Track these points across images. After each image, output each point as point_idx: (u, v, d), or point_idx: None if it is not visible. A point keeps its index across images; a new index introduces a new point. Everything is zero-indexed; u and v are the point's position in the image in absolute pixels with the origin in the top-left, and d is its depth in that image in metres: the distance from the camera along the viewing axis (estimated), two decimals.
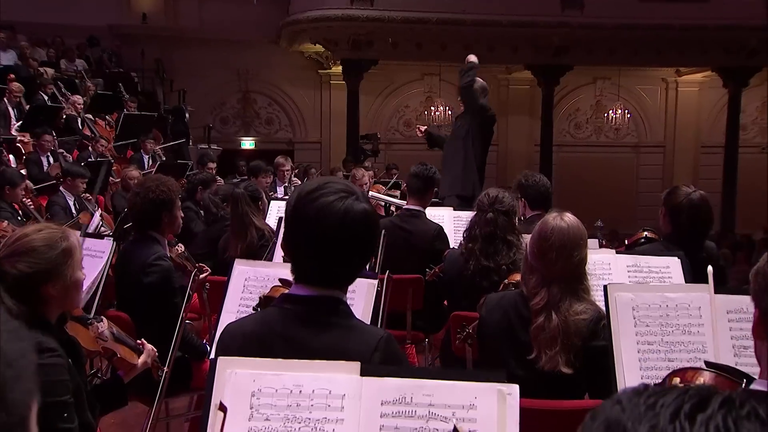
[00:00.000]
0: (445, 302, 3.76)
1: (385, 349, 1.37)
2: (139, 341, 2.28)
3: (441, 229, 3.92)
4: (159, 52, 13.79)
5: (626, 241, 3.40)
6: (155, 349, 2.29)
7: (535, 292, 2.02)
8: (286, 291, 1.52)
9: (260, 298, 1.84)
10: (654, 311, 1.75)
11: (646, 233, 3.19)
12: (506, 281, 2.58)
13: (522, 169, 16.76)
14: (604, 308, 1.85)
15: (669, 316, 1.74)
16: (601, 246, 3.79)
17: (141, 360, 2.21)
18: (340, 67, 13.95)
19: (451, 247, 3.91)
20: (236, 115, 15.37)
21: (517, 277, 2.47)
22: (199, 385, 2.88)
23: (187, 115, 12.03)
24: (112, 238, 2.84)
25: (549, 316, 1.97)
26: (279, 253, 3.44)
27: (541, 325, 1.99)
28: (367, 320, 2.14)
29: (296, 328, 1.40)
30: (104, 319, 2.18)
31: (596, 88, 16.23)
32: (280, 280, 1.87)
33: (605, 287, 1.80)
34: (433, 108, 14.41)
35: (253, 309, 1.91)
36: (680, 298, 1.75)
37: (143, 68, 13.27)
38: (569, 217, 2.06)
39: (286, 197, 6.73)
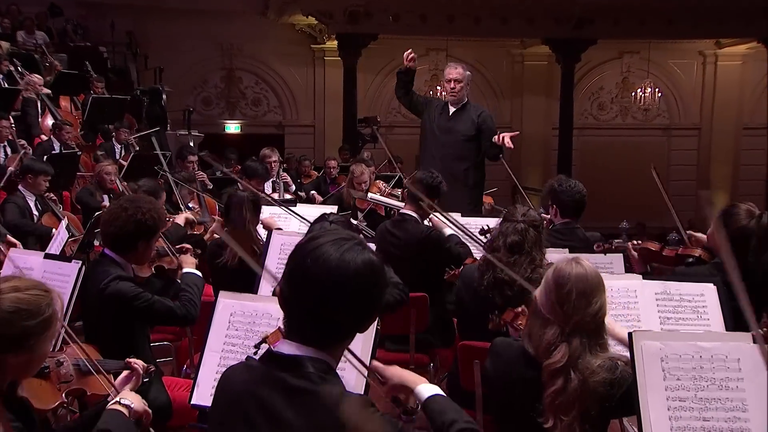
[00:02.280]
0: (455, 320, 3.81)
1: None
2: (128, 360, 2.28)
3: (432, 231, 3.97)
4: (131, 24, 13.71)
5: (678, 251, 3.39)
6: (142, 363, 2.29)
7: (553, 349, 1.99)
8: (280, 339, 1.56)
9: (263, 338, 1.85)
10: (686, 363, 1.75)
11: (699, 253, 3.18)
12: (503, 318, 2.59)
13: (538, 155, 16.81)
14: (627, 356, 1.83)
15: (703, 368, 1.73)
16: (626, 261, 3.78)
17: (130, 386, 2.20)
18: (336, 42, 13.88)
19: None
20: (219, 95, 15.33)
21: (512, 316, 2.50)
22: (180, 423, 2.90)
23: (164, 96, 11.93)
24: (79, 262, 2.81)
25: (568, 376, 1.95)
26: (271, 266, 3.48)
27: (559, 389, 1.95)
28: (367, 363, 2.14)
29: (274, 394, 1.46)
30: (66, 358, 2.16)
31: (623, 64, 16.14)
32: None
33: (630, 335, 1.80)
34: (439, 87, 14.32)
35: (255, 346, 1.94)
36: (716, 348, 1.74)
37: (113, 42, 13.19)
38: (585, 263, 2.07)
39: (275, 194, 6.75)
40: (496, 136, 5.26)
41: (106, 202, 5.96)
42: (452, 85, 5.46)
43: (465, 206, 5.13)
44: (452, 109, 5.52)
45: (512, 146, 5.18)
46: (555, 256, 3.33)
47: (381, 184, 7.01)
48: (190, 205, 5.63)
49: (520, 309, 2.50)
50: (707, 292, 2.53)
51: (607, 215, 13.81)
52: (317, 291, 1.44)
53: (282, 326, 1.57)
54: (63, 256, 3.28)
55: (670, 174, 16.62)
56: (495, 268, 3.03)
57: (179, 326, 3.12)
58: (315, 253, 1.45)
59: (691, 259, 3.27)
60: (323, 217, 2.84)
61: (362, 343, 2.19)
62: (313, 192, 8.05)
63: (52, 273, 2.86)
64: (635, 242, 3.45)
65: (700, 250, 3.23)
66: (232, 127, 15.44)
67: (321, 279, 1.44)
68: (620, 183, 15.58)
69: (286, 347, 1.49)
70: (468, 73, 5.50)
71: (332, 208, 4.91)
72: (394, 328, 3.71)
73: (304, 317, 1.47)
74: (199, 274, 3.07)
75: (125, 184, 6.12)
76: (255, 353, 1.59)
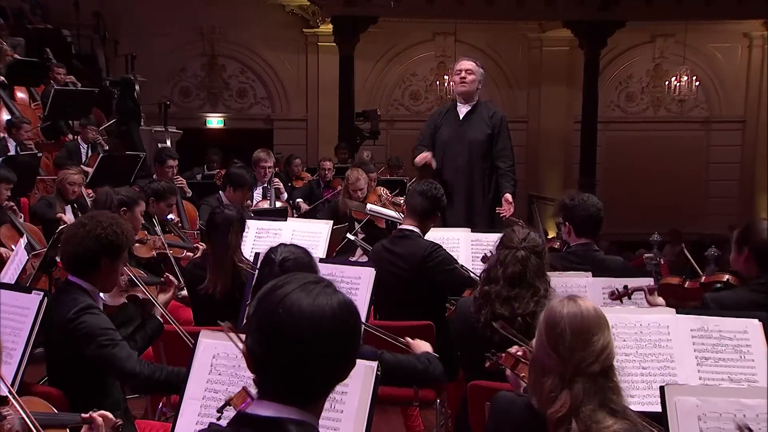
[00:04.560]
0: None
1: None
2: (86, 415, 2.28)
3: (435, 248, 3.97)
4: (98, 4, 13.69)
5: (702, 279, 3.44)
6: (108, 415, 2.30)
7: (553, 397, 1.97)
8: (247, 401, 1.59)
9: (227, 401, 1.86)
10: (727, 422, 1.75)
11: (728, 277, 3.23)
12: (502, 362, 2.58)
13: (558, 152, 16.80)
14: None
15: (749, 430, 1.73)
16: (657, 273, 3.83)
17: None
18: (331, 26, 13.91)
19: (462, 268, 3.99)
20: (200, 85, 15.34)
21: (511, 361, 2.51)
22: None
23: (137, 87, 11.92)
24: (41, 293, 2.80)
25: (569, 427, 1.93)
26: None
27: None
28: (364, 416, 2.16)
29: None
30: (11, 411, 2.16)
31: (655, 49, 16.14)
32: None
33: (662, 389, 1.80)
34: (446, 77, 14.33)
35: (217, 410, 1.93)
36: (762, 407, 1.74)
37: (78, 24, 13.14)
38: (582, 301, 2.06)
39: (265, 202, 6.75)
40: (504, 205, 5.33)
41: (69, 215, 5.95)
42: (463, 74, 5.42)
43: (483, 225, 5.16)
44: (462, 111, 5.50)
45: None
46: (566, 280, 3.33)
47: (382, 191, 7.03)
48: (171, 216, 5.61)
49: (520, 352, 2.49)
50: (751, 329, 2.53)
51: (637, 220, 13.84)
52: (295, 343, 1.47)
53: (248, 387, 1.59)
54: (22, 286, 3.27)
55: (709, 173, 16.62)
56: (493, 302, 3.03)
57: (135, 385, 3.02)
58: (285, 302, 1.48)
59: (719, 284, 3.31)
60: (269, 258, 2.73)
61: (360, 390, 2.19)
62: (299, 200, 8.00)
63: (9, 306, 2.82)
64: (650, 285, 3.42)
65: (728, 275, 3.27)
66: (215, 122, 15.45)
67: (297, 329, 1.46)
68: (651, 184, 15.59)
69: (263, 409, 1.50)
70: (482, 69, 5.48)
71: (326, 223, 4.93)
72: None
73: (281, 374, 1.49)
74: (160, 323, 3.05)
75: (90, 193, 6.10)
76: (218, 419, 1.60)
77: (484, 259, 3.89)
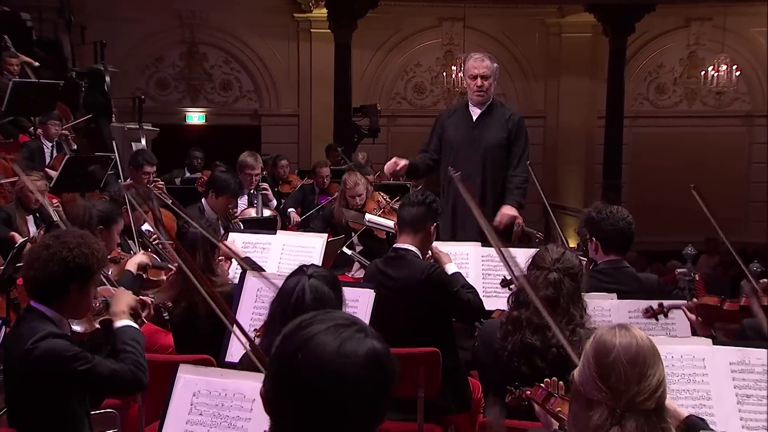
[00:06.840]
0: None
1: None
2: None
3: (434, 269, 3.96)
4: None
5: (743, 302, 3.43)
6: None
7: None
8: None
9: None
10: None
11: None
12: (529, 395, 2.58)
13: (579, 151, 16.77)
14: None
15: None
16: (692, 290, 3.85)
17: None
18: (325, 11, 13.90)
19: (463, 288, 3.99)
20: (179, 76, 15.35)
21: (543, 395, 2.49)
22: None
23: (107, 78, 11.93)
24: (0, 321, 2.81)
25: None
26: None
27: None
28: None
29: None
30: None
31: (690, 35, 16.14)
32: None
33: None
34: (454, 67, 14.35)
35: None
36: None
37: (40, 7, 13.11)
38: (635, 330, 2.05)
39: (251, 210, 6.76)
40: (498, 218, 5.31)
41: (32, 226, 5.94)
42: (479, 82, 5.38)
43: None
44: (476, 112, 5.49)
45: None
46: (599, 302, 3.34)
47: (380, 197, 7.02)
48: (146, 227, 5.60)
49: (546, 384, 2.49)
50: None
51: (668, 228, 13.80)
52: (313, 395, 1.44)
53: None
54: None
55: (750, 174, 16.58)
56: (523, 329, 3.04)
57: (125, 394, 3.12)
58: (308, 345, 1.46)
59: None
60: (301, 271, 2.73)
61: None
62: (290, 210, 7.98)
63: None
64: (692, 301, 3.44)
65: None
66: (195, 117, 15.47)
67: (316, 379, 1.44)
68: (685, 186, 15.46)
69: None
70: (496, 64, 5.48)
71: (320, 237, 4.92)
72: (398, 391, 3.70)
73: (296, 426, 1.47)
74: (136, 326, 3.03)
75: (57, 204, 6.08)
76: None
77: (504, 282, 3.89)
